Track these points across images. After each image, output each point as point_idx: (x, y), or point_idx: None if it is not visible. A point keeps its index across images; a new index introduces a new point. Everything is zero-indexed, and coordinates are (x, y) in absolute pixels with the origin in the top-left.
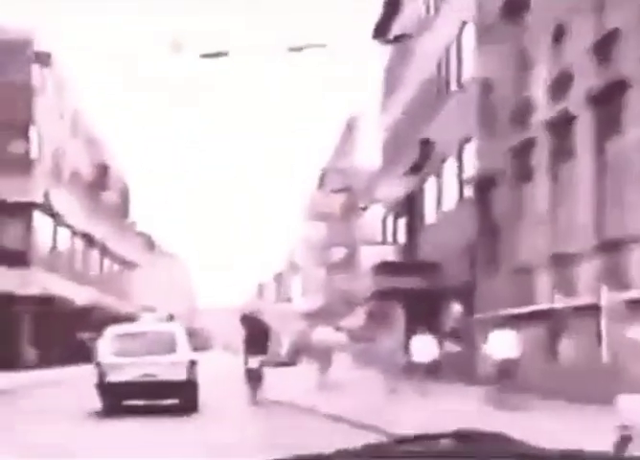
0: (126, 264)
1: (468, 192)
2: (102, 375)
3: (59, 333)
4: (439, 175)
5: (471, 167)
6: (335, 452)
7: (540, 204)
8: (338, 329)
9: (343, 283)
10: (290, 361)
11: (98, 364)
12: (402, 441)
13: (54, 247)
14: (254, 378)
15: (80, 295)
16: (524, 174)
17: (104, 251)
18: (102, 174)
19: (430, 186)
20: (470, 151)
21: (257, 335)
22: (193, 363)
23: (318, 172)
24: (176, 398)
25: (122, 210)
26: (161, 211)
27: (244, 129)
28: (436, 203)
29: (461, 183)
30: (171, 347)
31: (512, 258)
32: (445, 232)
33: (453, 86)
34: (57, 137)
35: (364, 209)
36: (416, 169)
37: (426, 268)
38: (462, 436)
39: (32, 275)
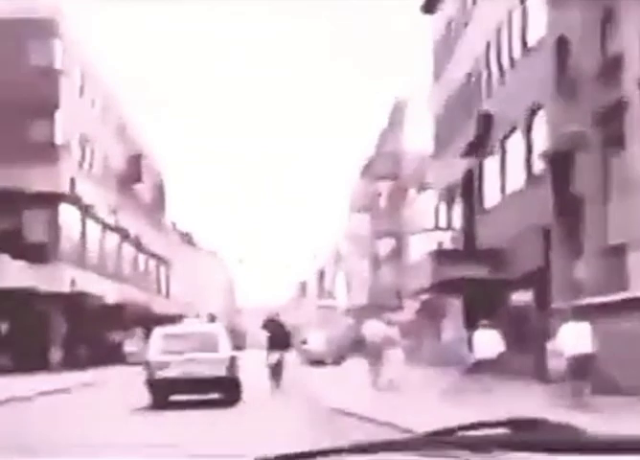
0: (162, 261)
1: (540, 167)
2: (150, 372)
3: (89, 333)
4: (502, 152)
5: (543, 138)
6: (391, 441)
7: (635, 174)
8: (389, 323)
9: (391, 276)
10: (335, 360)
11: (147, 362)
12: (457, 429)
13: (82, 242)
14: (275, 371)
15: (111, 292)
16: (613, 141)
17: (139, 247)
18: (135, 165)
19: (491, 165)
20: (541, 121)
21: (277, 337)
22: (233, 360)
23: (362, 159)
24: (219, 392)
25: (157, 204)
26: (199, 205)
27: (283, 116)
28: (499, 183)
29: (530, 158)
30: (213, 346)
31: (598, 238)
32: (511, 215)
33: (517, 52)
34: (86, 123)
35: (414, 196)
36: (474, 147)
37: (489, 256)
38: (519, 424)
39: (58, 271)
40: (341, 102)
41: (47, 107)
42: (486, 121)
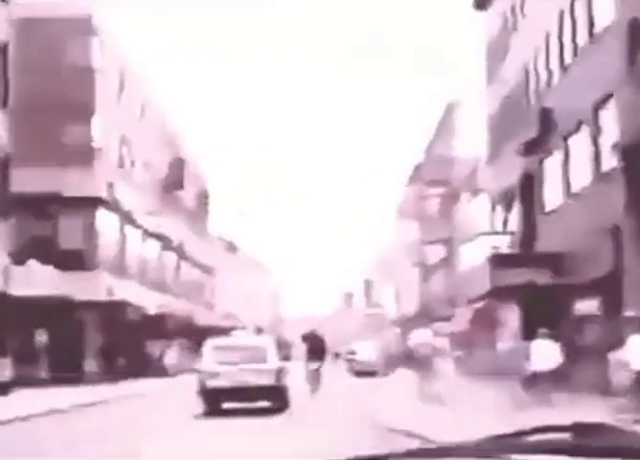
0: (206, 270)
1: (610, 163)
2: (203, 381)
3: (127, 344)
4: (565, 150)
5: (613, 131)
6: (455, 445)
7: None
8: (438, 333)
9: (441, 284)
10: (383, 371)
11: (200, 372)
12: (520, 433)
13: (121, 249)
14: (313, 376)
15: (152, 302)
16: None
17: (181, 255)
18: (177, 170)
19: (552, 165)
20: (610, 113)
21: (315, 349)
22: (281, 370)
23: (411, 164)
24: (268, 400)
25: (200, 210)
26: (242, 213)
27: (330, 117)
28: (562, 183)
29: (597, 154)
30: (262, 357)
31: None
32: (576, 216)
33: (582, 40)
34: (125, 126)
35: (466, 201)
36: (533, 146)
37: (551, 260)
38: (583, 429)
39: (95, 279)
40: (389, 104)
41: (84, 108)
42: (547, 117)
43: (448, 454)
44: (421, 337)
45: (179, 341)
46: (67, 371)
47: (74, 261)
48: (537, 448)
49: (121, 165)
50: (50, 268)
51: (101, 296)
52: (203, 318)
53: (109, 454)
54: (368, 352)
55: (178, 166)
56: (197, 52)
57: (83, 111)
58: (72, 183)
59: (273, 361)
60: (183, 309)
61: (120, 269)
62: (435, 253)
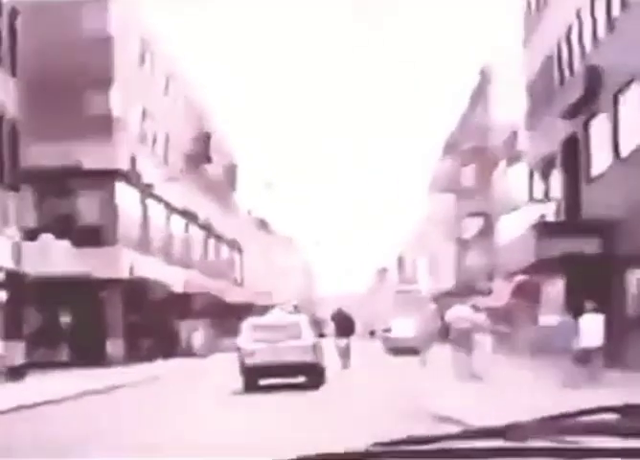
0: (235, 247)
1: None
2: (242, 359)
3: (152, 323)
4: (614, 109)
5: None
6: (499, 427)
7: None
8: (476, 308)
9: (479, 258)
10: (421, 348)
11: (239, 350)
12: (563, 416)
13: (144, 225)
14: (343, 352)
15: (177, 280)
16: None
17: (209, 231)
18: (203, 144)
19: (599, 126)
20: None
21: (343, 326)
22: (316, 347)
23: (445, 134)
24: (304, 375)
25: (228, 186)
26: (271, 186)
27: (359, 84)
28: (610, 146)
29: None
30: (297, 334)
31: None
32: (628, 179)
33: None
34: (147, 96)
35: (503, 170)
36: (578, 108)
37: (600, 229)
38: (633, 411)
39: (116, 255)
40: (420, 71)
41: (102, 77)
42: (594, 75)
43: (498, 435)
44: (458, 312)
45: (208, 320)
46: (89, 353)
47: (93, 237)
48: (586, 429)
49: (143, 138)
50: (65, 244)
51: (122, 273)
52: (232, 296)
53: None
54: (406, 328)
55: (204, 140)
56: (224, 25)
57: (101, 81)
58: (90, 156)
59: (308, 338)
60: (211, 286)
61: (143, 246)
62: (472, 226)
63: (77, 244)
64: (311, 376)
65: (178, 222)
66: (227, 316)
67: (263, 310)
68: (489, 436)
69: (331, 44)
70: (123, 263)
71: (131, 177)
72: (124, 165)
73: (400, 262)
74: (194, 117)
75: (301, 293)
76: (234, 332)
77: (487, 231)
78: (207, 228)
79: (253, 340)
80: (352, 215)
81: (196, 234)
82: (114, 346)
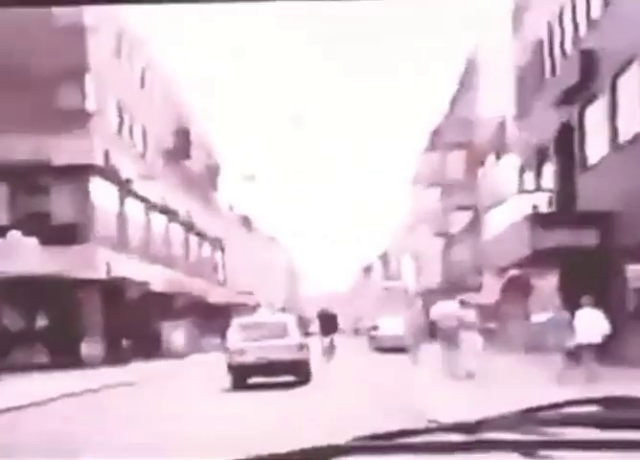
0: (217, 245)
1: None
2: (231, 357)
3: (131, 324)
4: (612, 94)
5: None
6: (480, 420)
7: None
8: (464, 304)
9: (467, 253)
10: (410, 346)
11: (227, 349)
12: (545, 408)
13: (121, 222)
14: (328, 350)
15: (157, 279)
16: None
17: (190, 229)
18: (183, 139)
19: (595, 113)
20: None
21: (328, 324)
22: (302, 346)
23: (430, 127)
24: (291, 374)
25: (210, 183)
26: (254, 186)
27: (342, 81)
28: (607, 133)
29: None
30: (284, 333)
31: None
32: (624, 169)
33: None
34: (124, 90)
35: (492, 163)
36: (573, 93)
37: (596, 220)
38: (613, 402)
39: (89, 254)
40: (403, 62)
41: (76, 69)
42: (590, 59)
43: (476, 430)
44: (445, 309)
45: (190, 320)
46: (65, 355)
47: (67, 235)
48: (566, 421)
49: (119, 132)
50: (34, 241)
51: (99, 273)
52: (215, 296)
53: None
54: (394, 326)
55: (184, 134)
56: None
57: (76, 73)
58: (63, 150)
59: (294, 337)
60: (193, 286)
61: (120, 244)
62: (458, 220)
63: (50, 243)
64: (299, 373)
65: (158, 220)
66: (209, 316)
67: (247, 309)
68: (468, 429)
69: (315, 31)
70: (99, 261)
71: (107, 173)
72: (98, 160)
73: (385, 259)
74: (174, 112)
75: (285, 292)
76: (216, 331)
77: (475, 225)
78: (188, 226)
79: (241, 340)
80: (335, 211)
81: (177, 232)
82: (92, 347)
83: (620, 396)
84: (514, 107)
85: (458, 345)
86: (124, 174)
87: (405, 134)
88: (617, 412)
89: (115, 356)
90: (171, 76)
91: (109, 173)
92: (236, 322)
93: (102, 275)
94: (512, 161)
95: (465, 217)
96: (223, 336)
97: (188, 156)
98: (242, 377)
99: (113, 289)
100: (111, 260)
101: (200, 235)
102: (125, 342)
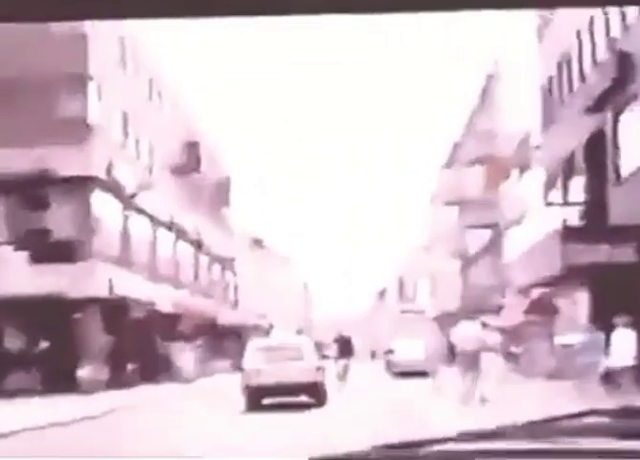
0: (228, 265)
1: None
2: (246, 379)
3: (136, 346)
4: None
5: None
6: (498, 430)
7: None
8: (486, 326)
9: (486, 273)
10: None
11: (243, 370)
12: (562, 418)
13: (124, 238)
14: (343, 371)
15: (163, 299)
16: None
17: (199, 248)
18: (192, 153)
19: (630, 119)
20: None
21: (343, 349)
22: (319, 368)
23: (447, 145)
24: (307, 396)
25: (221, 200)
26: (268, 206)
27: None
28: None
29: None
30: (300, 356)
31: None
32: None
33: None
34: (129, 101)
35: (514, 179)
36: (605, 99)
37: (635, 235)
38: (629, 413)
39: (92, 271)
40: (423, 75)
41: (77, 78)
42: (625, 62)
43: (494, 438)
44: (465, 331)
45: (198, 342)
46: (63, 379)
47: (67, 252)
48: (583, 431)
49: (123, 144)
50: (24, 254)
51: (100, 292)
52: (226, 318)
53: None
54: (412, 349)
55: (193, 149)
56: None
57: (76, 81)
58: (63, 162)
59: (311, 359)
60: (202, 307)
61: (124, 262)
62: (478, 240)
63: (49, 260)
64: (315, 396)
65: (165, 238)
66: (219, 339)
67: (259, 332)
68: (485, 438)
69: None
70: (100, 280)
71: (110, 186)
72: (100, 172)
73: (400, 282)
74: (182, 125)
75: (298, 315)
76: (226, 354)
77: (495, 244)
78: (197, 245)
79: (258, 361)
80: (349, 235)
81: (185, 251)
82: (92, 371)
83: (635, 406)
84: (540, 119)
85: (478, 369)
86: (128, 189)
87: (424, 150)
88: (634, 422)
89: (117, 381)
90: (179, 87)
91: (112, 187)
92: (252, 344)
93: (103, 293)
94: (536, 175)
95: (484, 235)
96: (234, 359)
97: (197, 170)
98: (258, 398)
99: (116, 309)
100: (114, 278)
101: (210, 254)
102: (129, 366)
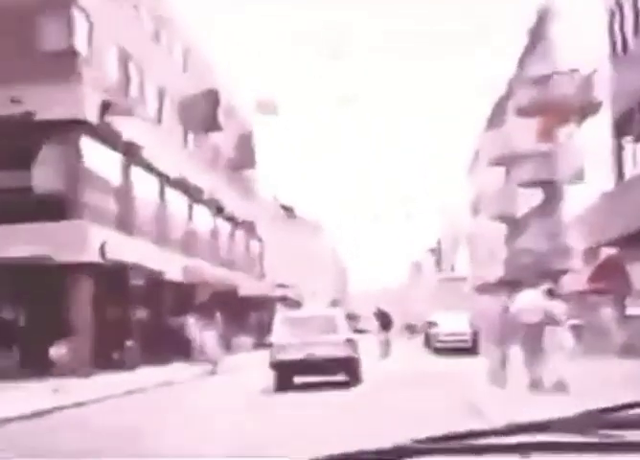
0: (253, 233)
1: None
2: (274, 354)
3: (137, 320)
4: None
5: None
6: (541, 422)
7: None
8: (552, 294)
9: (537, 238)
10: (472, 348)
11: (271, 345)
12: (606, 410)
13: (125, 196)
14: (385, 345)
15: (173, 266)
16: None
17: (219, 211)
18: (210, 104)
19: None
20: None
21: (384, 322)
22: (351, 342)
23: (493, 95)
24: (340, 373)
25: (244, 161)
26: (295, 172)
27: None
28: None
29: None
30: (332, 328)
31: None
32: None
33: None
34: (127, 34)
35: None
36: None
37: None
38: None
39: (83, 232)
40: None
41: (63, 4)
42: None
43: (537, 431)
44: (528, 301)
45: (218, 316)
46: (42, 359)
47: (50, 208)
48: (629, 423)
49: (124, 88)
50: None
51: (90, 256)
52: (250, 290)
53: None
54: (456, 323)
55: (211, 99)
56: None
57: (60, 9)
58: (46, 102)
59: (343, 332)
60: (221, 278)
61: (123, 223)
62: (528, 200)
63: (32, 219)
64: (348, 373)
65: (176, 198)
66: (241, 312)
67: (288, 304)
68: (532, 431)
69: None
70: (91, 242)
71: (105, 133)
72: (91, 115)
73: (437, 251)
74: (197, 71)
75: (331, 287)
76: (249, 329)
77: (550, 204)
78: (216, 208)
79: (287, 335)
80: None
81: (202, 214)
82: (76, 350)
83: None
84: (610, 51)
85: (545, 347)
86: (131, 139)
87: (464, 105)
88: None
89: (107, 362)
90: (193, 32)
91: (108, 135)
92: (280, 316)
93: (95, 258)
94: (601, 123)
95: (535, 196)
96: (259, 335)
97: (216, 126)
98: (288, 375)
99: (112, 277)
100: (109, 241)
101: (233, 220)
102: (128, 342)
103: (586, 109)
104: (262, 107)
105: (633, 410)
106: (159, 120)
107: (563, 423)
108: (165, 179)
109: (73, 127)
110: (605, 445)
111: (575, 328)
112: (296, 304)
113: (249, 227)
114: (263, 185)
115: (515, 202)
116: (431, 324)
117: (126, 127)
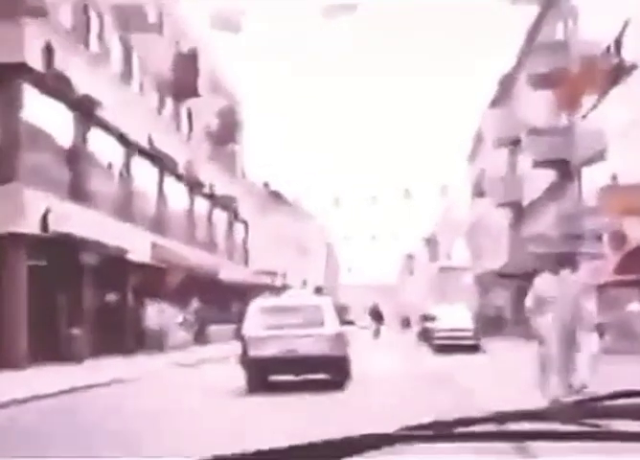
0: (235, 212)
1: None
2: (246, 349)
3: (87, 305)
4: None
5: None
6: (531, 410)
7: None
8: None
9: (549, 224)
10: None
11: (242, 338)
12: (597, 399)
13: (77, 160)
14: (376, 333)
15: (139, 245)
16: None
17: (194, 187)
18: (187, 66)
19: None
20: None
21: (376, 317)
22: (340, 337)
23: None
24: (325, 372)
25: (227, 134)
26: (284, 154)
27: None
28: None
29: None
30: (318, 321)
31: None
32: None
33: None
34: None
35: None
36: None
37: None
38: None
39: (18, 197)
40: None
41: None
42: None
43: (526, 419)
44: (548, 283)
45: (194, 304)
46: None
47: None
48: (621, 412)
49: (80, 34)
50: None
51: (29, 227)
52: (230, 275)
53: None
54: (458, 317)
55: (189, 61)
56: None
57: None
58: None
59: (331, 326)
60: (197, 259)
61: (74, 190)
62: (536, 183)
63: None
64: (334, 372)
65: (146, 169)
66: (222, 299)
67: (272, 292)
68: (521, 419)
69: None
70: (30, 210)
71: (55, 84)
72: (36, 61)
73: (431, 242)
74: (174, 30)
75: (322, 277)
76: (230, 319)
77: (563, 186)
78: (191, 183)
79: (262, 327)
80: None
81: (174, 189)
82: (7, 340)
83: None
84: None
85: (571, 344)
86: (88, 94)
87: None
88: None
89: (48, 353)
90: None
91: (58, 86)
92: (255, 304)
93: (34, 229)
94: (627, 92)
95: (547, 177)
96: (241, 324)
97: (194, 92)
98: (262, 374)
99: (57, 254)
100: (54, 209)
101: (212, 198)
102: (74, 331)
103: (617, 72)
104: (221, 21)
105: (622, 399)
106: (128, 79)
107: (552, 411)
108: (131, 146)
109: (12, 73)
110: (594, 433)
111: (598, 327)
112: (281, 291)
113: (231, 207)
114: (252, 167)
115: (521, 186)
116: (428, 318)
117: (83, 82)
